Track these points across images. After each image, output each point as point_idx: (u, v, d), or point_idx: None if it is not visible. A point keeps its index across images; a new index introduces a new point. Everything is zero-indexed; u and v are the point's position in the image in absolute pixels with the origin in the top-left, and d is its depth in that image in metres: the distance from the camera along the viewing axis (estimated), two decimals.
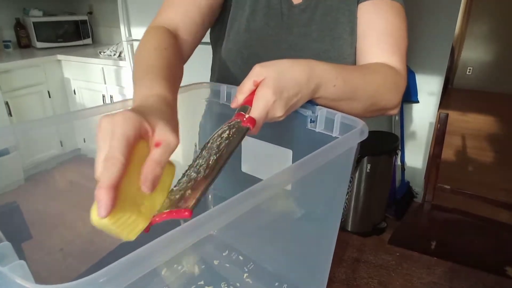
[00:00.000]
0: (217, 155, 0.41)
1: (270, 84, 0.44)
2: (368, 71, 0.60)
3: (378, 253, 0.76)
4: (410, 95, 2.23)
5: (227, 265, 0.69)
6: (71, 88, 2.84)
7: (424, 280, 0.69)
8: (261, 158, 0.65)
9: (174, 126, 0.38)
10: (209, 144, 0.44)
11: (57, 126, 0.51)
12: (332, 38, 0.68)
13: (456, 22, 2.08)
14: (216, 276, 0.67)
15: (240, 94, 0.47)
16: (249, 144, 0.66)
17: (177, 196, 0.38)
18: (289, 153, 0.59)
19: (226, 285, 0.65)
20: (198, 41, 0.69)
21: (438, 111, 2.20)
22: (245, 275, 0.66)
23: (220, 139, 0.43)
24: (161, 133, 0.36)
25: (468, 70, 5.23)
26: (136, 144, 0.35)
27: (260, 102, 0.44)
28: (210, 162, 0.40)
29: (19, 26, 2.90)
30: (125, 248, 0.25)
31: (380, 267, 0.72)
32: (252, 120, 0.44)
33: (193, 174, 0.41)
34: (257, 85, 0.46)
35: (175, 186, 0.41)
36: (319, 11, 0.68)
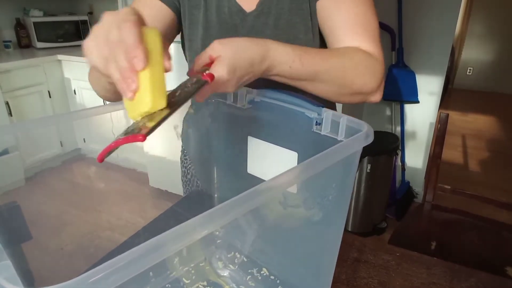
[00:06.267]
0: (174, 98, 0.44)
1: (225, 63, 0.47)
2: (335, 54, 0.59)
3: (378, 253, 0.76)
4: (410, 95, 2.23)
5: (231, 266, 0.69)
6: (71, 88, 2.84)
7: (424, 280, 0.69)
8: (266, 160, 0.65)
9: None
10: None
11: (57, 126, 0.52)
12: (287, 41, 0.68)
13: (456, 22, 2.08)
14: (219, 278, 0.67)
15: (197, 65, 0.50)
16: (254, 146, 0.66)
17: (134, 127, 0.41)
18: (294, 155, 0.59)
19: (229, 287, 0.65)
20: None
21: (438, 111, 2.20)
22: (249, 277, 0.66)
23: (180, 89, 0.46)
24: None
25: (468, 70, 5.23)
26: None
27: (215, 78, 0.47)
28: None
29: (20, 26, 2.90)
30: (125, 248, 0.25)
31: (380, 267, 0.72)
32: (212, 75, 0.46)
33: None
34: (212, 60, 0.48)
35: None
36: (272, 15, 0.67)
